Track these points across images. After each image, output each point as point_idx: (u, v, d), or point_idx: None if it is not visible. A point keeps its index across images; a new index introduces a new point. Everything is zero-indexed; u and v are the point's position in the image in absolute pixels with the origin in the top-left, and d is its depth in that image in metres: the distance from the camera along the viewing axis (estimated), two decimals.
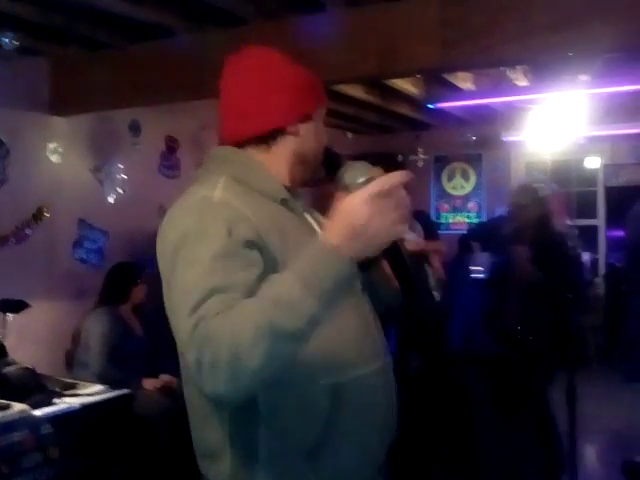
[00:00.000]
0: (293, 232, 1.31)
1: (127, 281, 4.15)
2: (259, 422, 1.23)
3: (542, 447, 3.42)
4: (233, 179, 1.34)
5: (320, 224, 1.44)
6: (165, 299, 1.25)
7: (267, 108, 1.38)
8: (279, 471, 1.24)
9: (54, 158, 4.35)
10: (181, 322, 1.12)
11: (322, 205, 1.39)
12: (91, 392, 3.38)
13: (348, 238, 1.09)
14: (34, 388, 3.23)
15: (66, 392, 3.33)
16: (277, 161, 1.41)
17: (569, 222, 6.14)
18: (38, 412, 2.99)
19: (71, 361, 4.08)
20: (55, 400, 3.20)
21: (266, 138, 1.40)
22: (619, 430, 4.94)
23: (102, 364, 3.85)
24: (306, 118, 1.42)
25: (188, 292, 1.12)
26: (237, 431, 1.25)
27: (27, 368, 3.34)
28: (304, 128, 1.42)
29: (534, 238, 3.87)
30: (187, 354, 1.10)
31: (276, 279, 1.10)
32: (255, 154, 1.41)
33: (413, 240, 1.31)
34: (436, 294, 1.37)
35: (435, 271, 1.38)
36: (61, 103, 4.35)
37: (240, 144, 1.41)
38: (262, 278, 1.14)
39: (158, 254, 1.27)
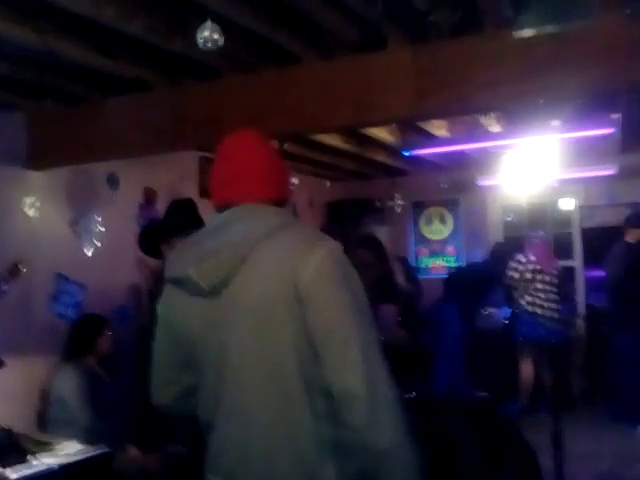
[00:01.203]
0: None
1: (92, 333, 4.11)
2: None
3: None
4: None
5: None
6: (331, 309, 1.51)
7: (289, 181, 1.91)
8: None
9: (31, 212, 4.31)
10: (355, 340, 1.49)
11: None
12: (69, 452, 3.29)
13: None
14: (9, 448, 3.14)
15: (43, 452, 3.24)
16: None
17: (556, 266, 6.29)
18: (14, 474, 2.90)
19: (43, 421, 3.95)
20: (32, 460, 3.11)
21: (281, 203, 1.71)
22: (606, 471, 4.90)
23: (87, 417, 3.75)
24: None
25: (362, 326, 1.51)
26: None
27: (3, 429, 3.26)
28: None
29: (379, 297, 3.84)
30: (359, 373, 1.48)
31: None
32: None
33: None
34: None
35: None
36: (38, 157, 4.34)
37: (266, 204, 1.66)
38: None
39: (317, 280, 1.50)
